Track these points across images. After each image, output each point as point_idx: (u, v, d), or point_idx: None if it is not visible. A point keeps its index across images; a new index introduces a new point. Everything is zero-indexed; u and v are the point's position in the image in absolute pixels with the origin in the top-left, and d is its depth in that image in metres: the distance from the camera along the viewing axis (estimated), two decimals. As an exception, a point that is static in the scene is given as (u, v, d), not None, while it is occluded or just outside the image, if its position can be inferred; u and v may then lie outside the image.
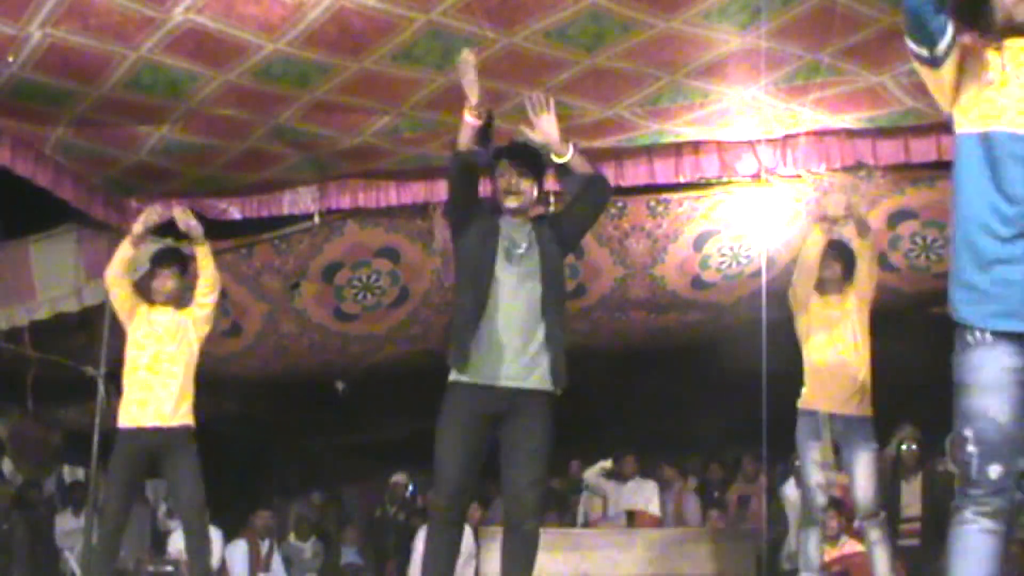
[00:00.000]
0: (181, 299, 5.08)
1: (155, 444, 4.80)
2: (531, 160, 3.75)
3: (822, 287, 4.98)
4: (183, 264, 5.10)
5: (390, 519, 9.30)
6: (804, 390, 4.93)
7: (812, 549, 4.86)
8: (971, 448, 2.49)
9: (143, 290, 5.12)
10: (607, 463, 8.39)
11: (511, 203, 3.69)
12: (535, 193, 3.76)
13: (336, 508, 10.76)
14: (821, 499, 4.84)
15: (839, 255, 5.00)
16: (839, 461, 4.86)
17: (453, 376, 3.61)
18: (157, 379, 4.84)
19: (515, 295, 3.59)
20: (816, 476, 4.82)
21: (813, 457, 4.84)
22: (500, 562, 3.62)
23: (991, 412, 2.46)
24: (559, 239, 3.75)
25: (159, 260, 5.07)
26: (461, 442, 3.55)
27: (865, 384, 4.82)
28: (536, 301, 3.60)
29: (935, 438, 7.09)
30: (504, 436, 3.58)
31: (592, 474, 8.45)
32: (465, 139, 3.66)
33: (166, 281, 4.96)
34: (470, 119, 3.64)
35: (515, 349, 3.56)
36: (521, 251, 3.64)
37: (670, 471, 8.90)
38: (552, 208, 6.26)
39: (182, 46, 4.52)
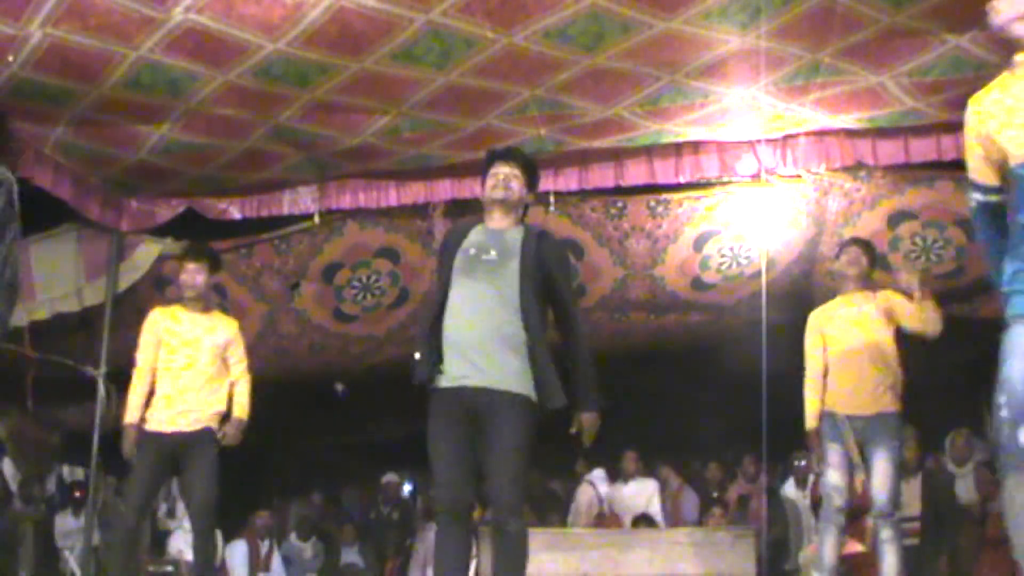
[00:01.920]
0: (207, 297, 5.13)
1: (176, 446, 4.85)
2: (522, 163, 3.81)
3: (846, 284, 4.99)
4: (214, 260, 5.15)
5: (385, 519, 9.31)
6: (826, 391, 4.95)
7: (827, 550, 4.85)
8: (1003, 413, 2.43)
9: (158, 289, 5.15)
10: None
11: (496, 194, 3.74)
12: (523, 194, 3.80)
13: (336, 508, 10.77)
14: (838, 501, 4.82)
15: (865, 251, 5.00)
16: (862, 460, 4.87)
17: (431, 384, 3.65)
18: (182, 384, 4.91)
19: (478, 298, 3.61)
20: (833, 478, 4.82)
21: (831, 460, 4.85)
22: (492, 564, 3.65)
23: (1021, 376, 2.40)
24: (547, 271, 3.71)
25: (189, 255, 5.08)
26: (445, 444, 3.57)
27: (887, 381, 4.82)
28: (506, 306, 3.60)
29: (935, 438, 7.09)
30: (480, 439, 3.58)
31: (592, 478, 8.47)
32: None
33: (195, 276, 4.99)
34: None
35: (480, 351, 3.57)
36: (491, 257, 3.68)
37: (666, 470, 8.90)
38: (552, 208, 6.28)
39: (182, 46, 4.52)
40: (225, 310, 7.50)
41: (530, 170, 3.85)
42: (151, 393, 4.92)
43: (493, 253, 3.68)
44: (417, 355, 3.66)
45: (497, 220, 3.77)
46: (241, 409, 5.00)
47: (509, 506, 3.53)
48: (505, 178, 3.75)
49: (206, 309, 5.10)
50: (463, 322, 3.59)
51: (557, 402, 3.59)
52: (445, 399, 3.59)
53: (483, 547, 7.28)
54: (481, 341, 3.57)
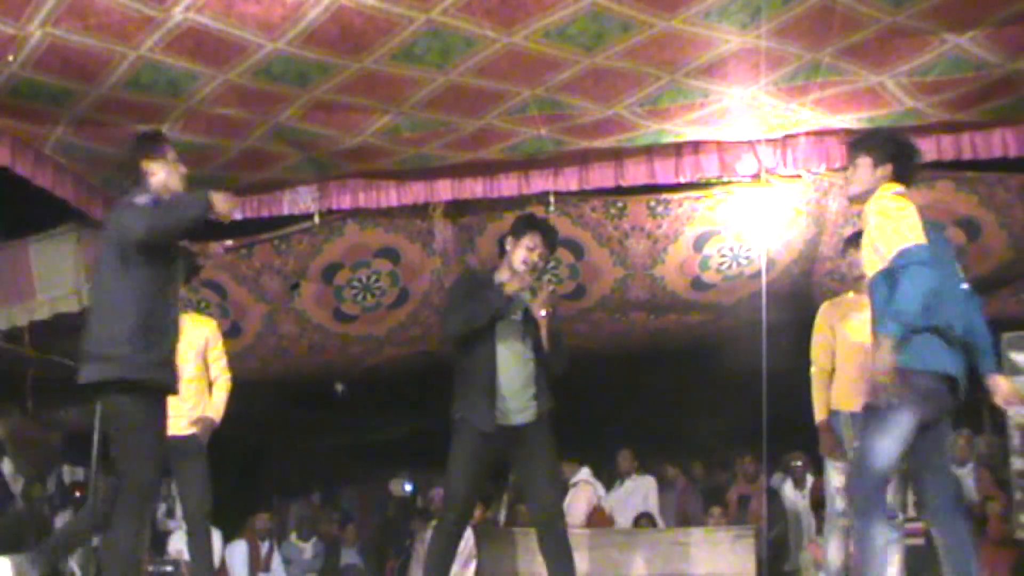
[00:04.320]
0: (183, 298, 5.14)
1: (168, 450, 4.84)
2: (553, 240, 4.45)
3: (857, 284, 4.96)
4: (195, 268, 5.18)
5: (391, 522, 9.33)
6: (832, 390, 4.92)
7: (832, 553, 4.83)
8: None
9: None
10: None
11: (527, 274, 4.31)
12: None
13: (336, 508, 10.77)
14: (841, 504, 4.80)
15: None
16: None
17: (463, 415, 4.27)
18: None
19: (514, 356, 4.26)
20: (836, 480, 4.80)
21: (833, 462, 4.82)
22: (545, 564, 4.24)
23: None
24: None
25: None
26: (472, 470, 4.25)
27: None
28: (531, 356, 4.29)
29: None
30: (519, 458, 4.33)
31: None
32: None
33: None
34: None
35: (517, 396, 4.24)
36: (517, 316, 4.30)
37: (673, 470, 8.90)
38: (552, 208, 6.29)
39: (182, 45, 4.52)
40: (225, 311, 7.54)
41: (555, 245, 4.53)
42: None
43: (520, 313, 4.30)
44: (488, 400, 4.24)
45: (514, 283, 4.31)
46: (215, 410, 5.02)
47: (559, 510, 4.33)
48: (537, 261, 4.33)
49: (184, 310, 5.10)
50: (504, 376, 4.23)
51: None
52: (480, 434, 4.20)
53: (484, 548, 7.30)
54: (518, 388, 4.25)
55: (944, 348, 3.48)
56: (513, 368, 4.26)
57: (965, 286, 3.73)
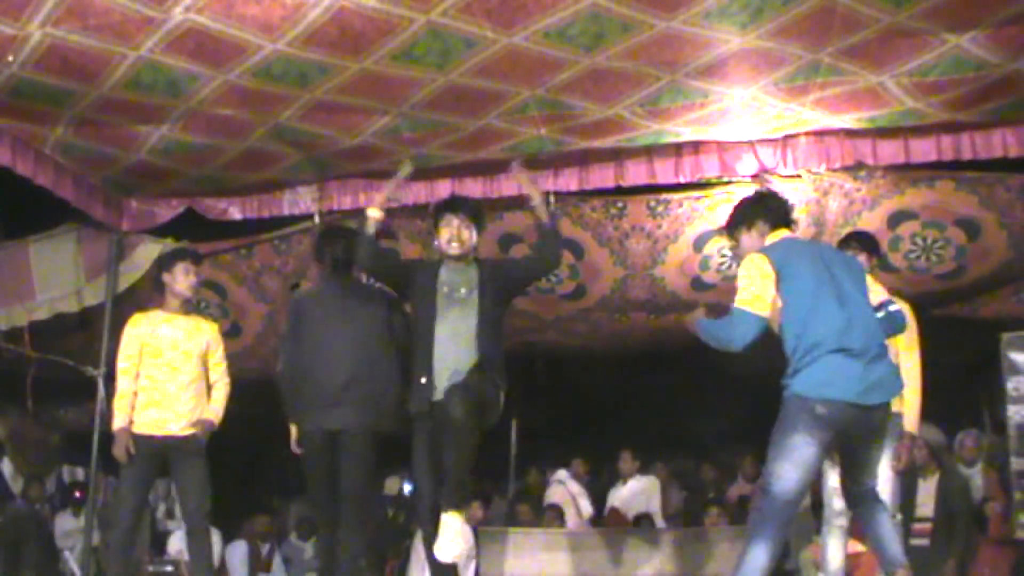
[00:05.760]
0: (191, 300, 5.14)
1: (167, 450, 4.85)
2: (472, 212, 4.43)
3: None
4: (199, 259, 5.17)
5: (389, 521, 9.31)
6: None
7: (831, 553, 4.82)
8: None
9: (159, 290, 5.13)
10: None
11: (454, 251, 4.33)
12: (475, 240, 4.41)
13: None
14: (838, 503, 4.78)
15: (863, 246, 4.94)
16: None
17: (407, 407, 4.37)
18: (168, 388, 4.89)
19: (453, 332, 4.22)
20: (833, 480, 4.79)
21: (830, 462, 4.81)
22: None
23: None
24: (505, 282, 4.39)
25: (179, 256, 5.07)
26: (428, 460, 4.28)
27: None
28: (471, 334, 4.22)
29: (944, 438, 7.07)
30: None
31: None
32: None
33: (189, 276, 4.98)
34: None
35: (450, 374, 4.17)
36: (462, 294, 4.28)
37: (662, 470, 8.91)
38: (552, 205, 6.29)
39: (182, 46, 4.52)
40: (225, 311, 7.54)
41: (478, 218, 4.48)
42: (134, 396, 4.91)
43: (463, 290, 4.30)
44: (423, 380, 4.22)
45: (457, 261, 4.37)
46: (214, 412, 5.04)
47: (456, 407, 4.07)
48: (459, 233, 4.35)
49: (187, 312, 5.10)
50: (439, 353, 4.22)
51: (494, 419, 4.23)
52: (423, 422, 4.24)
53: (485, 549, 7.30)
54: (452, 367, 4.17)
55: (834, 370, 3.67)
56: (448, 349, 4.23)
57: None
